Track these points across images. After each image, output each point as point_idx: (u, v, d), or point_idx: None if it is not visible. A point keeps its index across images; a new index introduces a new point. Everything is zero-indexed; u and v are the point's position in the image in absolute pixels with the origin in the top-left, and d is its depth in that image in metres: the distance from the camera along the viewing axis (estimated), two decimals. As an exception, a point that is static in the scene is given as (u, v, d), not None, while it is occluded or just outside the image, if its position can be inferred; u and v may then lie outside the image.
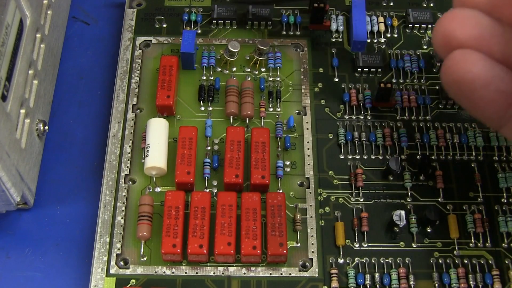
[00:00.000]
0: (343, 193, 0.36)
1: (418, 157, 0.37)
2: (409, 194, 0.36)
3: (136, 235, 0.33)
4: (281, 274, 0.33)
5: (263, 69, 0.40)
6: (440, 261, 0.34)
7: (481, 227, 0.34)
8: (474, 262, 0.34)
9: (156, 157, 0.35)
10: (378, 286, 0.33)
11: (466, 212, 0.35)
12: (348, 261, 0.34)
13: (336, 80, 0.40)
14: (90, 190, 0.36)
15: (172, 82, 0.37)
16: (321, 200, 0.35)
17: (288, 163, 0.36)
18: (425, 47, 0.41)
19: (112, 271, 0.33)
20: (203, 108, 0.38)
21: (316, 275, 0.33)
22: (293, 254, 0.33)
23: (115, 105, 0.38)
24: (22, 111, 0.34)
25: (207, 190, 0.35)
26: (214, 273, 0.33)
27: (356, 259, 0.34)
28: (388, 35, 0.41)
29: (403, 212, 0.34)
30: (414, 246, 0.34)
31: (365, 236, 0.34)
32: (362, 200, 0.35)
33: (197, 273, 0.33)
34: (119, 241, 0.34)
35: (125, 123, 0.37)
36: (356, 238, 0.34)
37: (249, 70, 0.40)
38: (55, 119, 0.39)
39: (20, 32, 0.33)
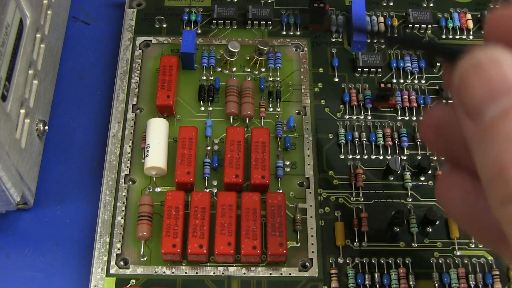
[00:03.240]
0: (343, 193, 0.36)
1: (418, 157, 0.37)
2: (409, 194, 0.36)
3: (136, 235, 0.33)
4: (281, 274, 0.33)
5: (263, 69, 0.40)
6: (440, 261, 0.34)
7: (481, 227, 0.34)
8: (474, 262, 0.34)
9: (156, 157, 0.35)
10: (378, 286, 0.33)
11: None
12: (348, 261, 0.34)
13: (336, 80, 0.40)
14: (90, 190, 0.36)
15: (172, 82, 0.37)
16: (321, 200, 0.35)
17: (288, 163, 0.36)
18: (425, 47, 0.41)
19: (112, 271, 0.33)
20: (203, 108, 0.38)
21: (316, 275, 0.33)
22: (293, 254, 0.33)
23: (115, 105, 0.38)
24: (22, 111, 0.34)
25: (207, 190, 0.35)
26: (214, 273, 0.33)
27: (356, 259, 0.34)
28: (388, 35, 0.41)
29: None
30: (414, 246, 0.34)
31: (365, 236, 0.34)
32: (362, 200, 0.35)
33: (197, 273, 0.33)
34: (119, 241, 0.34)
35: (125, 123, 0.37)
36: (356, 238, 0.34)
37: (249, 70, 0.40)
38: (55, 119, 0.39)
39: (20, 32, 0.33)
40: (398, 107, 0.38)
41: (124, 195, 0.35)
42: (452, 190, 0.24)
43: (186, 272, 0.33)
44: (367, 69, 0.39)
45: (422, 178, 0.36)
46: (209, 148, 0.37)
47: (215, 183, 0.36)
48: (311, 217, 0.35)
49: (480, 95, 0.20)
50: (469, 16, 0.42)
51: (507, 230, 0.19)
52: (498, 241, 0.21)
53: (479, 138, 0.20)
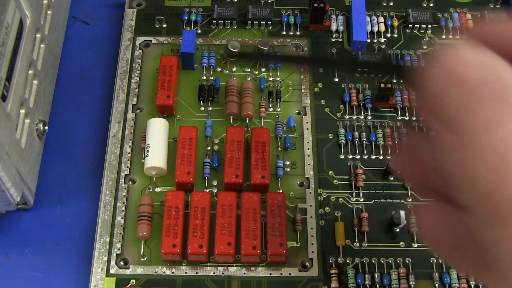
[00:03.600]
0: (343, 193, 0.36)
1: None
2: (409, 194, 0.36)
3: (136, 235, 0.33)
4: (281, 274, 0.33)
5: (263, 69, 0.40)
6: (440, 261, 0.34)
7: (481, 227, 0.34)
8: (474, 262, 0.34)
9: (156, 157, 0.35)
10: (378, 286, 0.33)
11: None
12: (348, 261, 0.34)
13: (336, 80, 0.40)
14: (90, 190, 0.36)
15: (172, 82, 0.37)
16: (321, 200, 0.35)
17: (288, 163, 0.36)
18: (425, 47, 0.41)
19: (112, 271, 0.33)
20: (203, 108, 0.38)
21: (316, 275, 0.33)
22: (293, 254, 0.33)
23: (115, 105, 0.38)
24: (22, 111, 0.34)
25: (207, 190, 0.35)
26: (214, 273, 0.33)
27: (356, 259, 0.34)
28: (388, 35, 0.41)
29: (403, 213, 0.34)
30: (414, 246, 0.34)
31: (365, 236, 0.34)
32: (362, 200, 0.35)
33: (197, 273, 0.33)
34: (119, 241, 0.34)
35: (125, 123, 0.37)
36: (356, 238, 0.34)
37: (249, 70, 0.40)
38: (55, 119, 0.39)
39: (20, 32, 0.33)
40: (398, 107, 0.38)
41: (124, 195, 0.35)
42: (433, 218, 0.22)
43: (186, 272, 0.33)
44: (367, 69, 0.39)
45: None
46: (209, 148, 0.37)
47: (215, 183, 0.36)
48: (311, 217, 0.35)
49: (459, 104, 0.18)
50: (469, 16, 0.42)
51: (487, 244, 0.18)
52: (478, 267, 0.20)
53: (459, 150, 0.18)
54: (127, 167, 0.36)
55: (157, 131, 0.36)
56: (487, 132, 0.17)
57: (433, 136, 0.19)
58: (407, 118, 0.38)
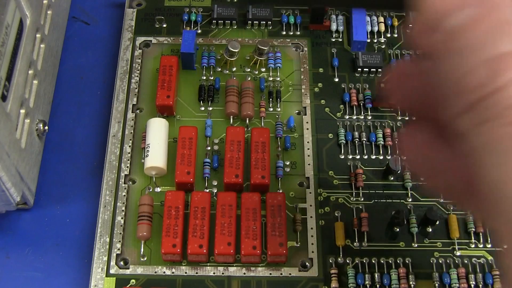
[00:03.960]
0: (343, 193, 0.36)
1: (418, 157, 0.37)
2: (409, 194, 0.36)
3: (136, 235, 0.33)
4: (281, 274, 0.33)
5: (263, 69, 0.40)
6: (440, 261, 0.34)
7: (481, 227, 0.34)
8: (474, 262, 0.34)
9: (156, 157, 0.35)
10: (378, 286, 0.33)
11: (467, 212, 0.35)
12: (348, 261, 0.34)
13: (336, 80, 0.40)
14: (90, 190, 0.36)
15: (172, 82, 0.37)
16: (321, 200, 0.35)
17: (288, 163, 0.36)
18: (425, 47, 0.41)
19: (112, 271, 0.33)
20: (203, 108, 0.38)
21: (316, 275, 0.33)
22: (293, 254, 0.33)
23: (115, 105, 0.38)
24: (22, 111, 0.34)
25: (207, 190, 0.35)
26: (214, 273, 0.33)
27: (356, 259, 0.34)
28: (388, 35, 0.41)
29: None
30: (414, 246, 0.34)
31: (365, 236, 0.34)
32: (362, 200, 0.35)
33: (197, 273, 0.33)
34: (119, 241, 0.34)
35: (125, 123, 0.37)
36: (356, 238, 0.34)
37: (249, 70, 0.40)
38: (55, 119, 0.39)
39: (20, 32, 0.33)
40: (398, 107, 0.38)
41: (124, 195, 0.35)
42: (414, 139, 0.23)
43: (186, 272, 0.33)
44: (367, 69, 0.39)
45: (422, 178, 0.36)
46: (209, 148, 0.37)
47: (215, 183, 0.36)
48: (311, 217, 0.35)
49: (462, 21, 0.18)
50: (469, 16, 0.42)
51: (472, 139, 0.18)
52: (463, 191, 0.21)
53: (444, 49, 0.19)
54: (127, 167, 0.36)
55: (157, 131, 0.36)
56: (483, 47, 0.18)
57: (428, 60, 0.20)
58: (407, 118, 0.38)
